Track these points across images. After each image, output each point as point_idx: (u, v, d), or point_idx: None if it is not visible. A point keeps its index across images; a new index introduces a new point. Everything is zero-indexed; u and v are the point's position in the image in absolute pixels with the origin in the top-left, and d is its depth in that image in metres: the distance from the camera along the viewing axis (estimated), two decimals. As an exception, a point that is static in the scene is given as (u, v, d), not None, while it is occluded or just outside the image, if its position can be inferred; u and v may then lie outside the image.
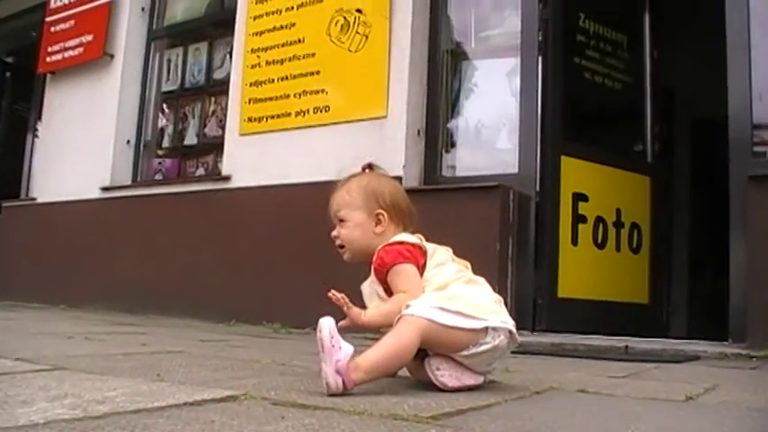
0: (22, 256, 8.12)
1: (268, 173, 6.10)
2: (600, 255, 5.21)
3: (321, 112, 5.84)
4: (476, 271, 4.64)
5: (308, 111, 5.92)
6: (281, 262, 5.87)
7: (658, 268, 5.76)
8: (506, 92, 5.27)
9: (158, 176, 7.48)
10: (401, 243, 2.14)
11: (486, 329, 2.01)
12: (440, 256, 2.16)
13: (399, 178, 5.26)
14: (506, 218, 4.79)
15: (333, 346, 1.82)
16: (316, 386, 1.95)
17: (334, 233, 2.24)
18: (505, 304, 4.76)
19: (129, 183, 7.42)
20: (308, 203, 5.74)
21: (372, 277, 2.13)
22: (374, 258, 2.11)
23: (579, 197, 5.10)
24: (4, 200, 8.77)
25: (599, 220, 5.21)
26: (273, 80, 6.20)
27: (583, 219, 5.12)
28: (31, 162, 8.88)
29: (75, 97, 7.89)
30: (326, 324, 1.84)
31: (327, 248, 5.90)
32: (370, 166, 2.32)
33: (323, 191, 6.07)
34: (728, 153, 4.33)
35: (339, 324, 1.89)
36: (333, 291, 1.97)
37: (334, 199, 2.23)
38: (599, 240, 5.21)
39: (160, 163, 7.57)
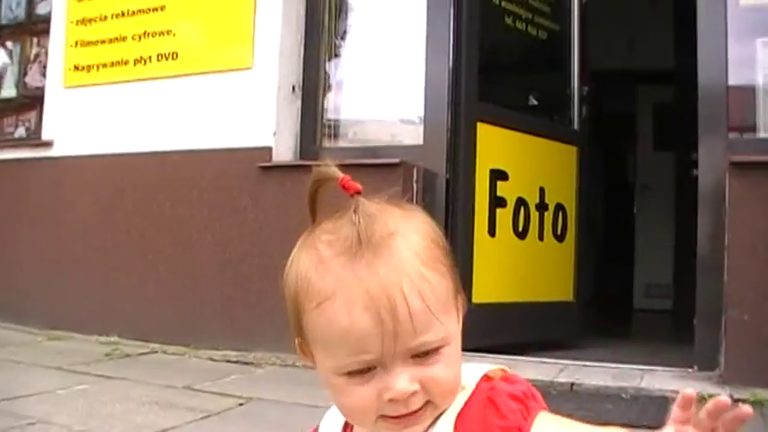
0: None
1: (101, 138, 4.76)
2: (521, 246, 4.20)
3: (167, 59, 4.56)
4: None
5: (149, 58, 4.62)
6: (119, 255, 4.58)
7: (583, 258, 4.82)
8: (409, 39, 4.12)
9: (-33, 137, 5.96)
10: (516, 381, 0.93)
11: None
12: None
13: (269, 149, 4.10)
14: (409, 205, 3.69)
15: None
16: None
17: (404, 386, 0.82)
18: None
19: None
20: (155, 179, 4.51)
21: None
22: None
23: (498, 175, 4.06)
24: None
25: (520, 202, 4.19)
26: (106, 17, 4.84)
27: (502, 202, 4.08)
28: None
29: None
30: None
31: (176, 237, 4.78)
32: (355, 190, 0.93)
33: (173, 163, 4.92)
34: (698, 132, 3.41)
35: None
36: None
37: (393, 301, 0.80)
38: (519, 228, 4.20)
39: (-30, 120, 6.03)
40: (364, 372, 0.82)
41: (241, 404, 3.08)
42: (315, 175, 0.89)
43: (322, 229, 0.88)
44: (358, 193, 0.86)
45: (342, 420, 0.96)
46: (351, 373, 0.83)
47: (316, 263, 0.85)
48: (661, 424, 2.56)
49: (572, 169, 4.56)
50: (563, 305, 4.49)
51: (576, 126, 4.63)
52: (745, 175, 3.27)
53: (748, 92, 3.66)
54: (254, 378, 3.58)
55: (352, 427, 0.95)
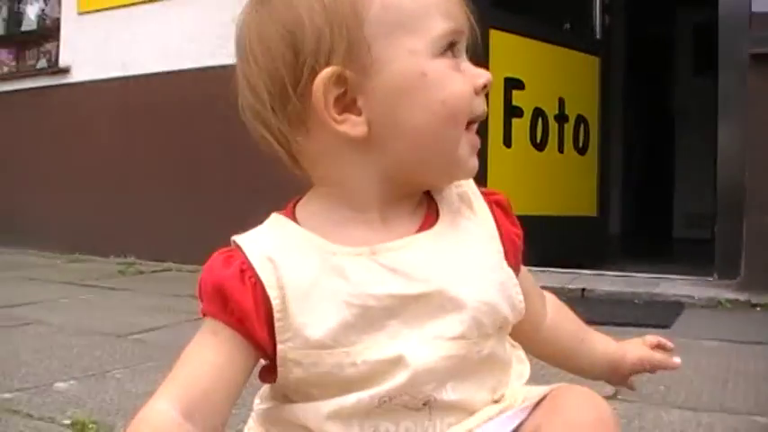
0: None
1: (115, 62, 4.72)
2: (539, 157, 4.07)
3: (177, -22, 4.45)
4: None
5: (160, -21, 4.53)
6: (135, 176, 4.58)
7: (607, 172, 4.66)
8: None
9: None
10: None
11: None
12: None
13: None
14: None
15: None
16: None
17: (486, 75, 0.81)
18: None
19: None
20: (165, 100, 4.46)
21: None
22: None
23: (513, 84, 3.91)
24: None
25: (537, 112, 4.04)
26: (117, -60, 4.76)
27: (518, 111, 3.94)
28: None
29: None
30: None
31: (190, 156, 4.79)
32: None
33: (183, 83, 4.91)
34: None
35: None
36: None
37: None
38: (538, 139, 4.06)
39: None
40: (455, 53, 0.77)
41: (242, 309, 3.05)
42: None
43: None
44: None
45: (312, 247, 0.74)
46: (445, 53, 0.75)
47: None
48: (670, 324, 2.45)
49: (593, 80, 4.39)
50: (585, 220, 4.35)
51: (598, 35, 4.43)
52: (765, 69, 3.09)
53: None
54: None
55: None
